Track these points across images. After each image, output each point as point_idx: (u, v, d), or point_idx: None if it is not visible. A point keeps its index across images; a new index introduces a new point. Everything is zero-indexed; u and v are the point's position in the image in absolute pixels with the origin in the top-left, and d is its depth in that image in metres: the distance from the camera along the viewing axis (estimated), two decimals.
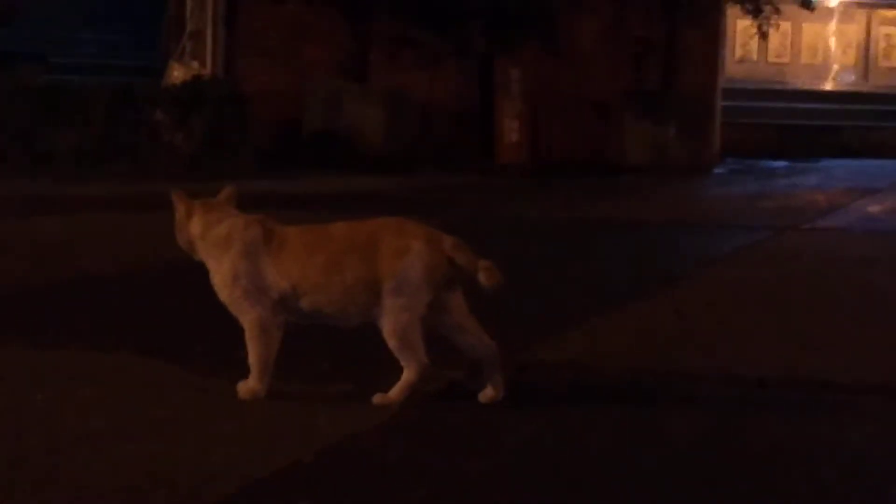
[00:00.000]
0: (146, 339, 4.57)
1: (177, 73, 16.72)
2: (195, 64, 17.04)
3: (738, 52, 24.98)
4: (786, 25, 22.84)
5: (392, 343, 3.60)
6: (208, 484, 2.83)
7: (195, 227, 3.70)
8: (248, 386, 3.65)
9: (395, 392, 3.61)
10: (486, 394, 3.68)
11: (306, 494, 2.79)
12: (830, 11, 25.27)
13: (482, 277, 3.58)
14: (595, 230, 9.55)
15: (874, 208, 11.92)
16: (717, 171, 18.22)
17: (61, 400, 3.60)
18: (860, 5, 25.64)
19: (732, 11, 19.34)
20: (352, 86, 17.98)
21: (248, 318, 3.64)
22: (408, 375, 3.62)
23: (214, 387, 3.77)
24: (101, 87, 15.68)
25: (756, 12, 17.77)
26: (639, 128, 17.97)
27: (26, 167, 14.32)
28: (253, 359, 3.64)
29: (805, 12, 20.93)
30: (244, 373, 3.67)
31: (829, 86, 25.62)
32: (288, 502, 2.74)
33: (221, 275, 3.66)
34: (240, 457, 3.06)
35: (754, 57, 25.26)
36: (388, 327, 3.59)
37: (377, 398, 3.61)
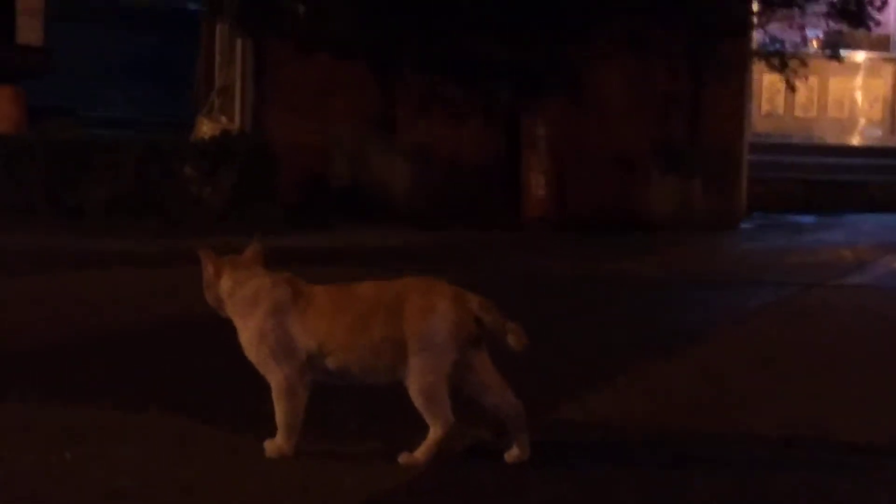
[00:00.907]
0: (174, 396, 4.59)
1: (205, 128, 16.86)
2: (224, 119, 17.17)
3: (765, 107, 24.99)
4: (812, 80, 22.84)
5: (418, 402, 3.62)
6: None
7: (223, 285, 3.74)
8: (275, 445, 3.67)
9: (422, 452, 3.62)
10: (513, 454, 3.68)
11: None
12: (857, 66, 25.28)
13: (511, 340, 3.60)
14: (621, 286, 9.54)
15: None
16: (743, 225, 18.18)
17: (89, 458, 3.62)
18: (887, 60, 25.65)
19: (758, 66, 19.37)
20: (379, 140, 18.08)
21: (274, 377, 3.66)
22: (434, 434, 3.62)
23: (242, 445, 3.78)
24: (130, 141, 15.82)
25: (782, 66, 17.80)
26: (664, 183, 17.97)
27: (55, 222, 14.42)
28: (279, 418, 3.66)
29: (832, 66, 20.94)
30: (272, 430, 3.68)
31: (855, 140, 25.59)
32: None
33: (248, 333, 3.68)
34: None
35: (781, 111, 25.26)
36: (415, 386, 3.60)
37: (403, 458, 3.61)
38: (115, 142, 15.89)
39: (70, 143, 15.68)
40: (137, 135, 16.87)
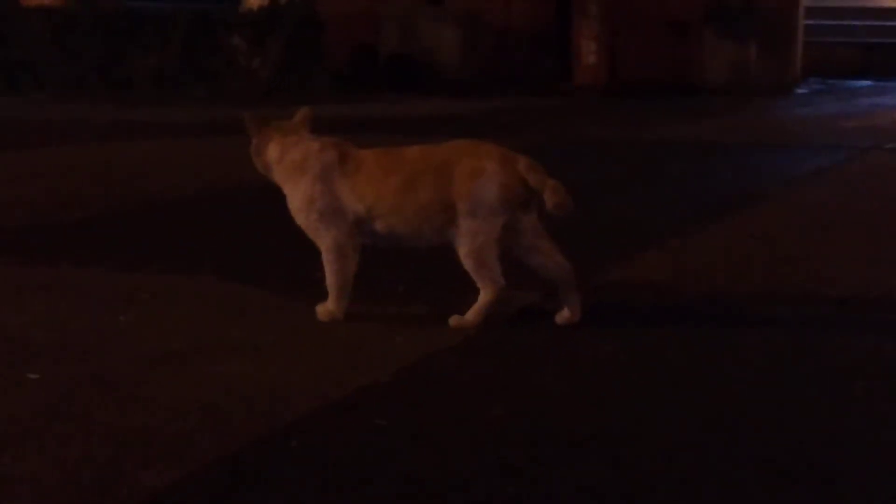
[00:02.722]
0: (226, 262, 4.61)
1: None
2: None
3: None
4: None
5: (468, 264, 3.60)
6: (286, 403, 2.86)
7: (271, 151, 3.72)
8: (325, 308, 3.67)
9: (472, 314, 3.62)
10: (563, 315, 3.67)
11: (383, 414, 2.81)
12: None
13: (548, 197, 3.56)
14: (674, 151, 9.46)
15: None
16: (799, 90, 17.93)
17: (143, 321, 3.65)
18: None
19: None
20: (427, 8, 17.88)
21: (324, 241, 3.65)
22: (484, 297, 3.62)
23: (294, 308, 3.80)
24: (178, 13, 15.75)
25: None
26: (719, 48, 17.70)
27: (105, 93, 14.45)
28: (330, 281, 3.66)
29: None
30: (322, 295, 3.69)
31: None
32: (365, 422, 2.76)
33: (298, 198, 3.67)
34: (317, 377, 3.09)
35: None
36: (464, 249, 3.59)
37: (454, 320, 3.61)
38: (163, 13, 15.83)
39: (118, 15, 15.63)
40: (185, 5, 16.78)
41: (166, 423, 2.71)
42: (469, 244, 3.58)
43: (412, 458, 2.53)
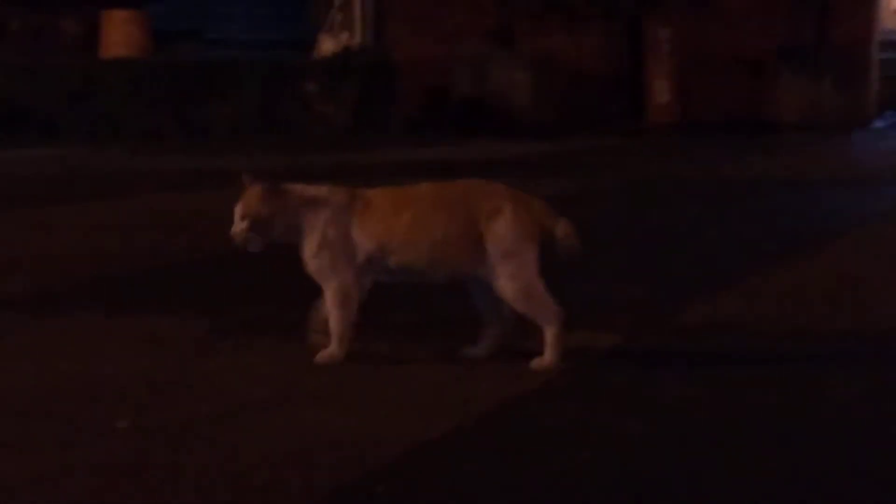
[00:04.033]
0: (307, 310, 4.64)
1: (327, 45, 16.91)
2: (344, 35, 17.20)
3: (894, 2, 24.24)
4: None
5: (520, 307, 3.62)
6: (372, 449, 2.88)
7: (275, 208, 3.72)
8: (327, 353, 3.70)
9: (549, 354, 3.61)
10: (475, 350, 3.70)
11: (469, 459, 2.81)
12: None
13: (560, 237, 3.59)
14: (750, 189, 9.40)
15: None
16: (875, 124, 17.76)
17: (227, 369, 3.69)
18: None
19: None
20: (499, 51, 17.96)
21: (331, 285, 3.67)
22: (551, 332, 3.62)
23: (374, 354, 3.82)
24: (253, 61, 15.96)
25: None
26: (793, 84, 17.60)
27: (182, 143, 14.64)
28: (335, 326, 3.68)
29: None
30: (407, 339, 3.70)
31: None
32: (452, 467, 2.77)
33: (310, 245, 3.68)
34: (402, 423, 3.10)
35: None
36: (510, 293, 3.60)
37: (535, 364, 3.61)
38: (239, 62, 16.04)
39: (195, 65, 15.87)
40: (260, 54, 17.00)
41: (255, 470, 2.74)
42: (513, 286, 3.59)
43: (498, 503, 2.54)
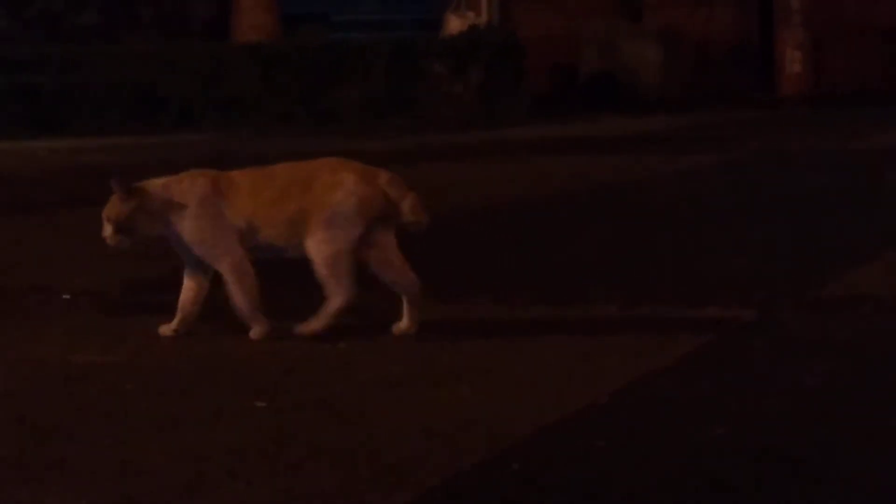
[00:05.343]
0: (444, 285, 4.66)
1: (453, 25, 16.94)
2: (471, 14, 17.21)
3: None
4: None
5: (320, 272, 3.70)
6: (506, 426, 2.89)
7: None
8: (256, 332, 3.77)
9: (319, 321, 3.72)
10: (400, 326, 3.78)
11: (603, 436, 2.81)
12: None
13: (405, 209, 3.68)
14: (886, 161, 9.19)
15: None
16: None
17: (362, 348, 3.73)
18: None
19: None
20: (627, 26, 17.82)
21: (223, 263, 3.76)
22: (332, 304, 3.71)
23: (505, 333, 3.83)
24: (380, 43, 16.05)
25: None
26: None
27: (311, 125, 14.80)
28: (241, 304, 3.76)
29: None
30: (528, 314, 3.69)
31: None
32: (585, 444, 2.77)
33: (188, 232, 3.76)
34: (535, 400, 3.11)
35: None
36: (318, 257, 3.69)
37: (301, 327, 3.72)
38: (366, 44, 16.15)
39: (323, 49, 16.02)
40: (387, 36, 17.10)
41: (390, 446, 2.77)
42: (324, 250, 3.68)
43: (632, 479, 2.53)
